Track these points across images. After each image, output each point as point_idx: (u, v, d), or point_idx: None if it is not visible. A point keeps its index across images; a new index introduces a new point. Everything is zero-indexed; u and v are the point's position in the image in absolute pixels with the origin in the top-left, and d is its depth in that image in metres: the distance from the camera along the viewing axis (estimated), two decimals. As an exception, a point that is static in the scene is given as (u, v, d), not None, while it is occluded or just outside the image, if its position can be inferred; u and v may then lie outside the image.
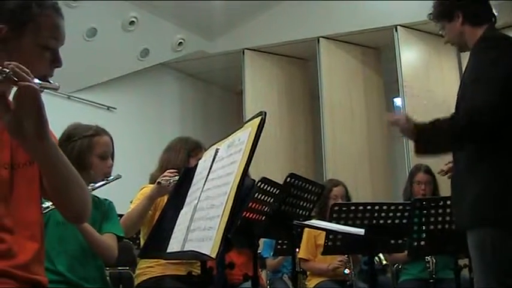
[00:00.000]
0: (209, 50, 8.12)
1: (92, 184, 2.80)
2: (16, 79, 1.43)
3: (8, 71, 1.41)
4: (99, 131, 2.90)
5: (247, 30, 7.89)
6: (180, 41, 7.62)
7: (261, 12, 7.73)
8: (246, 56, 7.87)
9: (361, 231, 3.20)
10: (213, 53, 8.14)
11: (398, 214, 3.43)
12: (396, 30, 7.00)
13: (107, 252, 2.73)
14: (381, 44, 7.67)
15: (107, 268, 3.04)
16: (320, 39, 7.49)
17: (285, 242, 4.65)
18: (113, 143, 2.95)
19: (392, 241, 3.69)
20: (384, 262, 4.47)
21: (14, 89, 1.47)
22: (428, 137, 2.79)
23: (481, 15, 2.92)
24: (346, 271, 4.49)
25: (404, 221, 3.43)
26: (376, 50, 7.89)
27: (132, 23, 6.86)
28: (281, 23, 7.65)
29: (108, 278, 3.01)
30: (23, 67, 1.46)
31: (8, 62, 1.44)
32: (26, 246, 1.68)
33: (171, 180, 3.16)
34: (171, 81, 8.59)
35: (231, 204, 1.46)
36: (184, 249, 1.64)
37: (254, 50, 7.94)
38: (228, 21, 7.69)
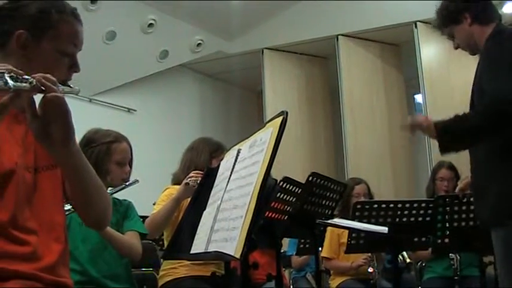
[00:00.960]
0: (228, 50, 8.13)
1: (110, 189, 2.82)
2: (43, 88, 1.45)
3: (34, 82, 1.43)
4: (118, 138, 2.92)
5: (265, 30, 7.89)
6: (199, 42, 7.64)
7: (280, 12, 7.72)
8: (265, 56, 7.88)
9: (384, 229, 3.18)
10: (232, 53, 8.16)
11: (422, 212, 3.40)
12: (416, 27, 6.96)
13: (130, 251, 2.75)
14: (401, 40, 7.63)
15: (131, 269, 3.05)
16: (339, 37, 7.48)
17: (308, 241, 4.64)
18: (131, 150, 2.98)
19: (416, 239, 3.66)
20: (408, 260, 4.44)
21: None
22: (451, 134, 2.75)
23: (488, 14, 2.90)
24: (370, 269, 4.47)
25: (428, 218, 3.39)
26: (395, 47, 7.85)
27: (150, 25, 6.89)
28: (299, 21, 7.64)
29: (132, 278, 3.02)
30: (50, 76, 1.48)
31: (35, 75, 1.45)
32: (51, 248, 1.70)
33: (198, 181, 3.16)
34: (191, 82, 8.61)
35: (254, 205, 1.45)
36: (208, 250, 1.63)
37: (273, 49, 7.94)
38: (246, 21, 7.68)
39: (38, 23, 1.72)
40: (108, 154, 2.85)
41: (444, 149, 2.75)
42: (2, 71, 1.35)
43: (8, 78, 1.35)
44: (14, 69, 1.40)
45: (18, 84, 1.38)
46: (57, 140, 1.52)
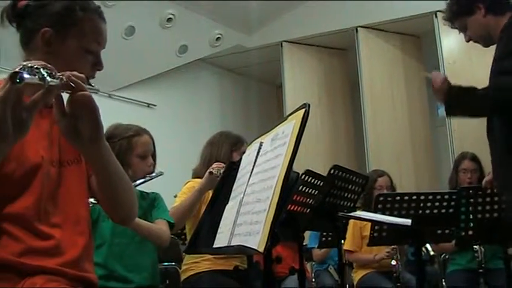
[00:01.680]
0: (247, 44, 8.12)
1: (134, 181, 2.83)
2: (73, 85, 1.45)
3: (64, 79, 1.43)
4: (139, 131, 2.93)
5: (284, 23, 7.87)
6: (218, 36, 7.63)
7: (298, 4, 7.69)
8: (284, 49, 7.86)
9: (407, 221, 3.15)
10: (251, 47, 8.15)
11: (445, 203, 3.36)
12: (436, 17, 6.86)
13: (159, 237, 2.78)
14: (421, 31, 7.57)
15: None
16: (358, 28, 7.43)
17: (330, 234, 4.62)
18: (153, 142, 2.98)
19: (439, 231, 3.63)
20: (431, 253, 4.41)
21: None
22: (461, 98, 2.76)
23: (502, 4, 2.86)
24: (393, 262, 4.44)
25: (451, 210, 3.36)
26: (416, 38, 7.79)
27: (169, 19, 6.90)
28: (318, 14, 7.60)
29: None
30: (78, 74, 1.49)
31: (64, 72, 1.46)
32: (75, 242, 1.72)
33: (222, 171, 3.16)
34: (210, 76, 8.62)
35: (277, 198, 1.44)
36: (231, 244, 1.63)
37: (292, 42, 7.91)
38: (265, 14, 7.67)
39: (63, 20, 1.73)
40: (130, 148, 2.87)
41: (449, 114, 2.78)
42: (39, 66, 1.36)
43: (45, 74, 1.36)
44: (48, 65, 1.40)
45: (52, 80, 1.39)
46: (86, 137, 1.54)
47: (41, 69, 1.36)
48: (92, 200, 2.37)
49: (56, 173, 1.71)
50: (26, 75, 1.31)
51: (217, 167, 3.25)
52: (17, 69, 1.31)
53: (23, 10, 1.76)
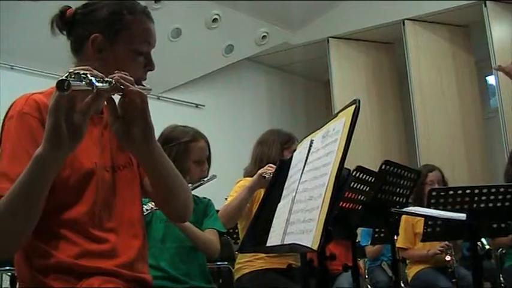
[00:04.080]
0: (293, 41, 8.12)
1: (189, 185, 2.84)
2: (122, 87, 1.47)
3: (114, 81, 1.45)
4: (196, 137, 2.93)
5: (330, 18, 7.83)
6: (264, 34, 7.65)
7: (343, -1, 7.64)
8: (330, 45, 7.83)
9: (462, 216, 3.08)
10: (297, 44, 8.14)
11: (500, 197, 3.27)
12: (485, 5, 6.74)
13: (209, 246, 2.77)
14: (470, 21, 7.42)
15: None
16: (405, 21, 7.35)
17: (382, 230, 4.58)
18: (209, 146, 2.98)
19: (495, 225, 3.55)
20: (487, 247, 4.31)
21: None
22: None
23: None
24: (448, 258, 4.37)
25: (507, 203, 3.28)
26: (464, 28, 7.64)
27: (215, 20, 6.94)
28: (364, 8, 7.54)
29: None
30: (127, 76, 1.51)
31: (113, 75, 1.48)
32: (130, 244, 1.73)
33: None
34: (257, 75, 8.64)
35: (330, 195, 1.43)
36: (285, 243, 1.62)
37: (338, 37, 7.87)
38: (310, 10, 7.64)
39: (111, 25, 1.74)
40: (187, 153, 2.87)
41: None
42: (86, 71, 1.38)
43: (92, 78, 1.38)
44: (94, 70, 1.42)
45: (100, 84, 1.41)
46: (139, 139, 1.55)
47: (88, 75, 1.37)
48: (151, 205, 2.41)
49: (110, 178, 1.73)
50: (72, 82, 1.32)
51: (269, 170, 3.23)
52: (63, 77, 1.32)
53: (72, 18, 1.77)
